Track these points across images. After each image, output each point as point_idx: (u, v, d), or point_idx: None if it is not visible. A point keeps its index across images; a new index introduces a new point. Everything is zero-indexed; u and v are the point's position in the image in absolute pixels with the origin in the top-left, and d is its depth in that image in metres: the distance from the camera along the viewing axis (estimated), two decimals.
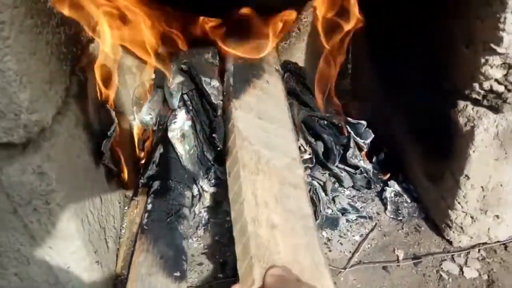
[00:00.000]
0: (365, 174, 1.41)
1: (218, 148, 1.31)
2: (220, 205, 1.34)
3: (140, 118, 1.40)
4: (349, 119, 1.45)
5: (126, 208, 1.38)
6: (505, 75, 0.96)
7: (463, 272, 1.19)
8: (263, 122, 1.24)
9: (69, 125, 0.98)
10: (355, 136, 1.41)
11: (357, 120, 1.43)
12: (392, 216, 1.34)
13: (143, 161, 1.39)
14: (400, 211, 1.34)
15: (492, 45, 0.92)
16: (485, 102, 1.03)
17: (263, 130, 1.22)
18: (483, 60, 0.96)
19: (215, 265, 1.21)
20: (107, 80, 1.28)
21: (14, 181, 0.84)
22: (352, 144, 1.40)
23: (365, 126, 1.42)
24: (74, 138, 1.02)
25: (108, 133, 1.18)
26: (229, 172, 1.14)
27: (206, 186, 1.33)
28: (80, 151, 1.05)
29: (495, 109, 1.03)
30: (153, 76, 1.44)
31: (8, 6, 0.75)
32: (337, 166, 1.41)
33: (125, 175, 1.28)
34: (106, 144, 1.16)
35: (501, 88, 0.98)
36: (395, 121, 1.44)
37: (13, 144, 0.83)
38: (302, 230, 1.01)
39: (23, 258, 0.96)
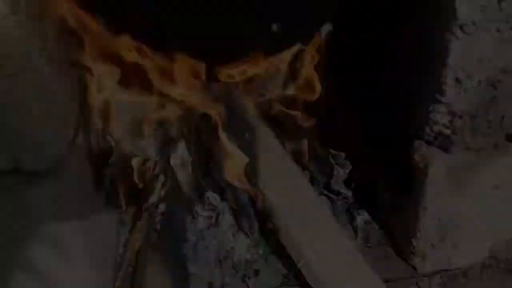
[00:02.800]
0: (345, 200, 1.53)
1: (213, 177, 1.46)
2: (208, 228, 1.49)
3: (144, 151, 1.50)
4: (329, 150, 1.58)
5: (124, 233, 1.48)
6: (450, 121, 1.18)
7: None
8: (297, 210, 1.38)
9: (77, 156, 1.16)
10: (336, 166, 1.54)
11: (336, 151, 1.56)
12: (362, 243, 1.48)
13: (142, 189, 1.48)
14: (369, 239, 1.48)
15: (437, 96, 1.15)
16: (436, 143, 1.23)
17: (302, 217, 1.37)
18: (431, 108, 1.18)
19: (203, 284, 1.33)
20: (107, 115, 1.45)
21: (35, 205, 1.01)
22: (335, 172, 1.53)
23: (343, 157, 1.54)
24: (82, 168, 1.21)
25: (109, 162, 1.33)
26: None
27: (201, 211, 1.43)
28: (85, 179, 1.24)
29: (445, 149, 1.23)
30: (152, 110, 1.56)
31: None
32: (321, 193, 1.54)
33: (124, 201, 1.41)
34: (107, 173, 1.31)
35: (448, 132, 1.20)
36: (365, 154, 1.57)
37: (35, 172, 1.00)
38: (355, 268, 1.26)
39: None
